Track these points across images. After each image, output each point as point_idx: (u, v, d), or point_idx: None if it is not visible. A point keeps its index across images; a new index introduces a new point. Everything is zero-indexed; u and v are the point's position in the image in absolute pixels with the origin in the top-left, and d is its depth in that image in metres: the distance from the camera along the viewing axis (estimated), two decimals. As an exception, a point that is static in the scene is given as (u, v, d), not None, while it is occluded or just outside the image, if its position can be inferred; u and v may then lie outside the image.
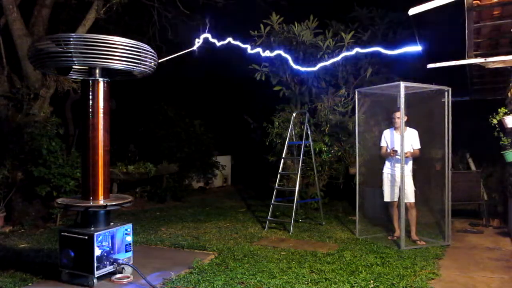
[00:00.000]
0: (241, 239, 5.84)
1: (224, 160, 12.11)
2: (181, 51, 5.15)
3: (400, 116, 5.40)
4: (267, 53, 6.36)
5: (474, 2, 4.21)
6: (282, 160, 7.12)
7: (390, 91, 6.02)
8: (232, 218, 7.41)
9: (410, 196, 5.60)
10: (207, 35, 5.23)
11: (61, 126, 6.85)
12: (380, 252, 5.12)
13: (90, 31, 6.86)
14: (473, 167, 7.92)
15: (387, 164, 5.89)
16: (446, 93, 5.55)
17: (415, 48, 5.44)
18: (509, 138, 5.81)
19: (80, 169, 4.80)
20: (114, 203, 4.13)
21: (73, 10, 8.09)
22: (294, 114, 7.40)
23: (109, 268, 4.06)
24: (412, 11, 4.41)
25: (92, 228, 4.05)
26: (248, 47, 5.79)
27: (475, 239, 5.88)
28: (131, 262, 4.28)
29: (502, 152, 5.76)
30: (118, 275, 4.11)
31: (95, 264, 3.89)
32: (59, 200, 4.31)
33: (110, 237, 4.09)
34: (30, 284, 4.08)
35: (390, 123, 5.91)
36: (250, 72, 8.70)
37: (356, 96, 6.22)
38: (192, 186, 11.00)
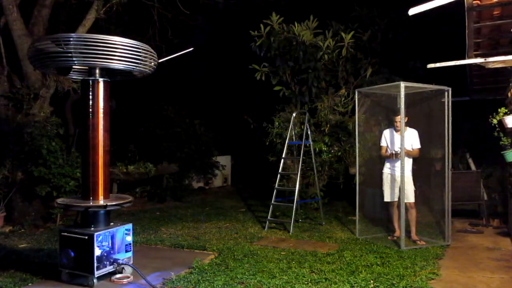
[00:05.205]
0: (241, 239, 5.84)
1: (224, 160, 12.10)
2: (181, 51, 5.15)
3: (401, 119, 5.42)
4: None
5: (474, 2, 4.22)
6: (282, 160, 7.12)
7: (390, 91, 6.02)
8: (232, 218, 7.40)
9: (410, 196, 5.60)
10: None
11: (61, 126, 6.84)
12: (380, 252, 5.12)
13: (90, 31, 6.85)
14: (473, 167, 7.92)
15: (387, 164, 5.89)
16: (446, 93, 5.55)
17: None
18: (509, 138, 5.81)
19: (80, 169, 4.81)
20: (114, 203, 4.13)
21: (73, 10, 8.10)
22: (294, 114, 7.40)
23: (109, 268, 4.06)
24: (412, 11, 4.42)
25: (92, 228, 4.05)
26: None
27: (475, 239, 5.88)
28: (131, 262, 4.28)
29: (502, 152, 5.76)
30: (118, 275, 4.11)
31: (95, 264, 3.89)
32: (59, 200, 4.31)
33: (110, 237, 4.09)
34: (30, 284, 4.08)
35: (390, 123, 5.91)
36: (250, 72, 8.70)
37: (356, 96, 6.22)
38: (192, 186, 10.99)
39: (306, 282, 4.04)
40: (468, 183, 6.99)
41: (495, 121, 5.79)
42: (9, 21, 6.46)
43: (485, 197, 7.11)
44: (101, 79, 4.14)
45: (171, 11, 8.86)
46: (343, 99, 8.36)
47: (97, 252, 3.92)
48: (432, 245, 5.49)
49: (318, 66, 8.27)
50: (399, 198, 5.58)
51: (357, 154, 6.24)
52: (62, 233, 4.07)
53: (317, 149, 8.00)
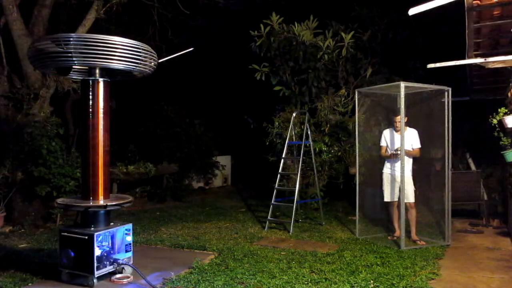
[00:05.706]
0: (241, 239, 5.84)
1: (224, 160, 12.10)
2: (181, 51, 5.15)
3: (401, 119, 5.42)
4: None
5: (474, 2, 4.22)
6: (282, 160, 7.12)
7: (390, 91, 6.03)
8: (232, 218, 7.40)
9: (410, 196, 5.60)
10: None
11: (61, 126, 6.84)
12: (380, 252, 5.12)
13: (90, 31, 6.85)
14: (473, 167, 7.92)
15: (387, 164, 5.89)
16: (446, 93, 5.55)
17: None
18: (509, 138, 5.82)
19: (80, 169, 4.80)
20: (114, 203, 4.13)
21: (73, 10, 8.10)
22: (294, 114, 7.40)
23: (109, 268, 4.06)
24: (412, 11, 4.42)
25: (92, 228, 4.05)
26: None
27: (475, 239, 5.88)
28: (131, 262, 4.28)
29: (502, 152, 5.76)
30: (118, 275, 4.11)
31: (95, 264, 3.89)
32: (59, 200, 4.31)
33: (110, 237, 4.09)
34: (30, 284, 4.08)
35: (390, 123, 5.92)
36: (251, 72, 8.70)
37: (356, 96, 6.22)
38: (192, 186, 10.99)
39: (306, 282, 4.04)
40: (468, 183, 6.99)
41: (495, 121, 5.79)
42: (9, 21, 6.46)
43: (485, 197, 7.11)
44: (101, 79, 4.14)
45: (171, 11, 8.86)
46: (343, 99, 8.36)
47: (97, 252, 3.92)
48: (432, 245, 5.49)
49: (318, 66, 8.27)
50: (399, 198, 5.58)
51: (357, 154, 6.24)
52: (62, 233, 4.07)
53: (317, 149, 8.00)
